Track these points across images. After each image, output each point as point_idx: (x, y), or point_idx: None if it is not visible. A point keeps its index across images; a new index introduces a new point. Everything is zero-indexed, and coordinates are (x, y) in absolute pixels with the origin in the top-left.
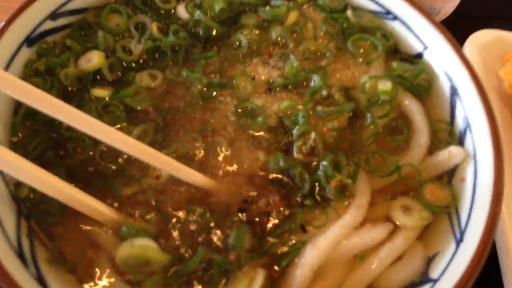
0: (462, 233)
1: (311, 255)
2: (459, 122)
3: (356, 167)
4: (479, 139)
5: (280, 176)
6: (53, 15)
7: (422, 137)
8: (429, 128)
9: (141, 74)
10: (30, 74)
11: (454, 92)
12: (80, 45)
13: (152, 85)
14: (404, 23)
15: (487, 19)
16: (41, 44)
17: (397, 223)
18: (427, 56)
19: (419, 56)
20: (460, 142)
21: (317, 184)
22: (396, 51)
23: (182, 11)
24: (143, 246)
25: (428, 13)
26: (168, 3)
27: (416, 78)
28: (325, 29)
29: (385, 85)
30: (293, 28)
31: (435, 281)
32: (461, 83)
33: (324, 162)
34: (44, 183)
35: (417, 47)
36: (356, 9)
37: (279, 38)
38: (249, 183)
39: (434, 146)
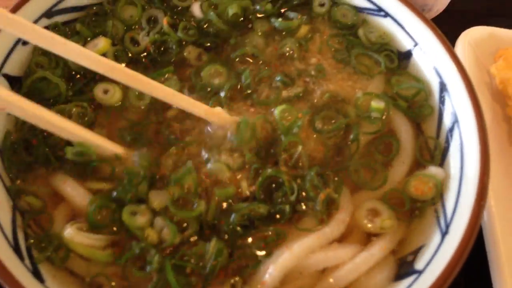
0: (448, 226)
1: (283, 257)
2: (447, 118)
3: (341, 182)
4: (466, 134)
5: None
6: (48, 14)
7: (404, 157)
8: (414, 148)
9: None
10: (38, 54)
11: (443, 88)
12: (89, 31)
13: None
14: (395, 20)
15: (480, 16)
16: (53, 28)
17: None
18: (417, 53)
19: (410, 52)
20: (448, 138)
21: (304, 193)
22: (399, 67)
23: (196, 10)
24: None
25: (420, 10)
26: (184, 1)
27: (414, 97)
28: (331, 44)
29: (378, 103)
30: (300, 41)
31: (420, 272)
32: (450, 79)
33: (311, 173)
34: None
35: (407, 44)
36: (368, 24)
37: (290, 52)
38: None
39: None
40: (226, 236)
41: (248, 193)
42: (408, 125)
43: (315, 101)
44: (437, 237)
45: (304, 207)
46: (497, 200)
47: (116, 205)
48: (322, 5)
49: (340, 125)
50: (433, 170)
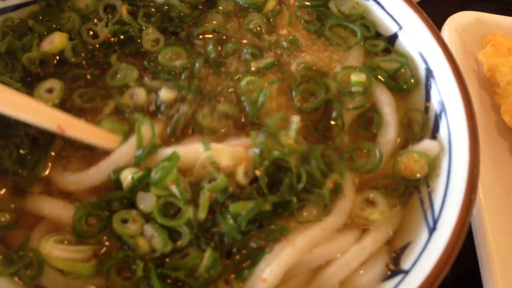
0: (435, 222)
1: (286, 253)
2: (434, 106)
3: (344, 165)
4: (455, 124)
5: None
6: None
7: (389, 131)
8: (398, 121)
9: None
10: None
11: (429, 74)
12: (43, 26)
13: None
14: (378, 3)
15: (466, 1)
16: (5, 22)
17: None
18: (402, 37)
19: (394, 37)
20: (435, 128)
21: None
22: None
23: None
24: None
25: None
26: None
27: (396, 72)
28: (300, 15)
29: (358, 77)
30: (268, 15)
31: (406, 272)
32: (437, 65)
33: (317, 153)
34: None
35: (392, 28)
36: None
37: (258, 28)
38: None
39: (409, 138)
40: (225, 241)
41: (245, 182)
42: (391, 97)
43: (292, 72)
44: (424, 233)
45: (308, 195)
46: (486, 193)
47: (105, 212)
48: None
49: (321, 100)
50: (427, 143)
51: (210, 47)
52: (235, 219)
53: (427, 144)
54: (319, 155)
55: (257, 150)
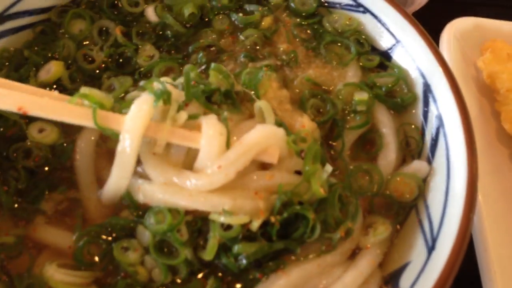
0: (434, 241)
1: (279, 284)
2: (432, 121)
3: (358, 209)
4: (453, 140)
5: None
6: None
7: (390, 152)
8: (398, 142)
9: None
10: None
11: (427, 88)
12: (39, 55)
13: None
14: (375, 16)
15: (465, 5)
16: (2, 54)
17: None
18: (399, 51)
19: (391, 51)
20: (433, 144)
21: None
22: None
23: (151, 14)
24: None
25: (401, 4)
26: (136, 7)
27: (392, 87)
28: (296, 33)
29: (361, 95)
30: (265, 32)
31: None
32: (434, 79)
33: (333, 200)
34: None
35: (389, 42)
36: (332, 13)
37: (254, 44)
38: None
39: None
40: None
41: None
42: (390, 117)
43: (296, 88)
44: (423, 253)
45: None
46: (486, 202)
47: (105, 242)
48: None
49: (330, 116)
50: (417, 164)
51: (201, 54)
52: (236, 258)
53: (416, 165)
54: (336, 201)
55: (278, 202)
